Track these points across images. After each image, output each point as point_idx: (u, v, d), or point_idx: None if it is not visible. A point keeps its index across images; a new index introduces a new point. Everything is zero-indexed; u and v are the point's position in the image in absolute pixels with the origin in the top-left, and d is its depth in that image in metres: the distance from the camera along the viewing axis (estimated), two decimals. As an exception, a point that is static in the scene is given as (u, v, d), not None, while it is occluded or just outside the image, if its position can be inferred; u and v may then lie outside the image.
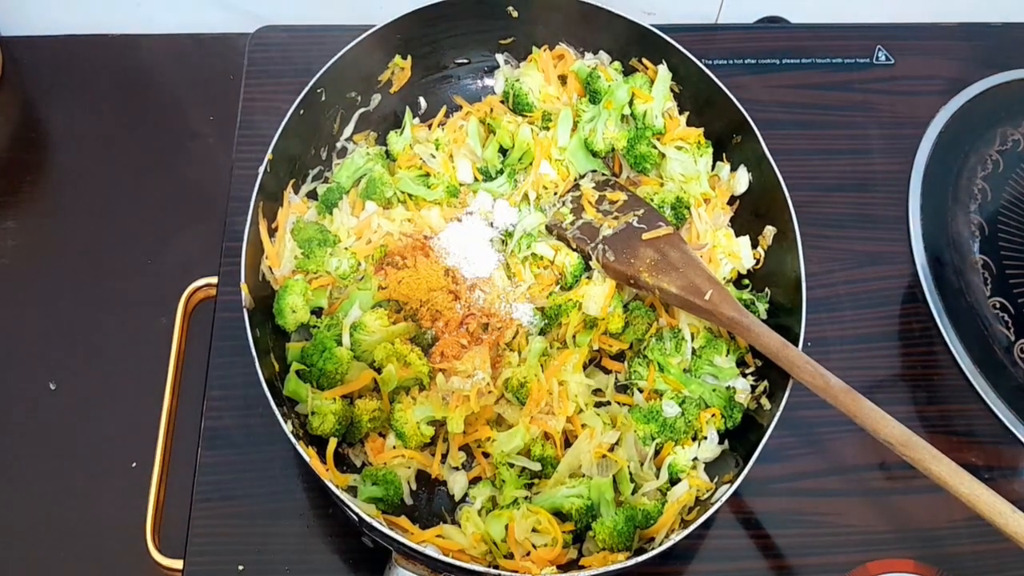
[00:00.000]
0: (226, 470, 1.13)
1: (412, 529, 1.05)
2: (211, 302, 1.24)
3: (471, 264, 1.20)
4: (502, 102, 1.34)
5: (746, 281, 1.24)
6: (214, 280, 1.24)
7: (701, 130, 1.27)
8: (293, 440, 0.99)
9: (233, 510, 1.11)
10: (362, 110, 1.29)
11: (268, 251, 1.15)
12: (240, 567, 1.08)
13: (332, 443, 1.06)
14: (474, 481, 1.12)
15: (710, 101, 1.25)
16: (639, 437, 1.12)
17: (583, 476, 1.09)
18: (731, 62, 1.46)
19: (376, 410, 1.10)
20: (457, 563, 0.97)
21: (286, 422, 1.00)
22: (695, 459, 1.12)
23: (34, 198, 1.37)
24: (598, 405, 1.16)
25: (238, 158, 1.31)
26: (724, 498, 1.02)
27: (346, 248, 1.20)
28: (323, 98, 1.21)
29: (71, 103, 1.44)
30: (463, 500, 1.11)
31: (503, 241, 1.25)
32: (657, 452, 1.12)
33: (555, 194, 1.28)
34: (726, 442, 1.14)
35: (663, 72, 1.27)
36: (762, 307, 1.17)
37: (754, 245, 1.23)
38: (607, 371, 1.20)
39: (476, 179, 1.28)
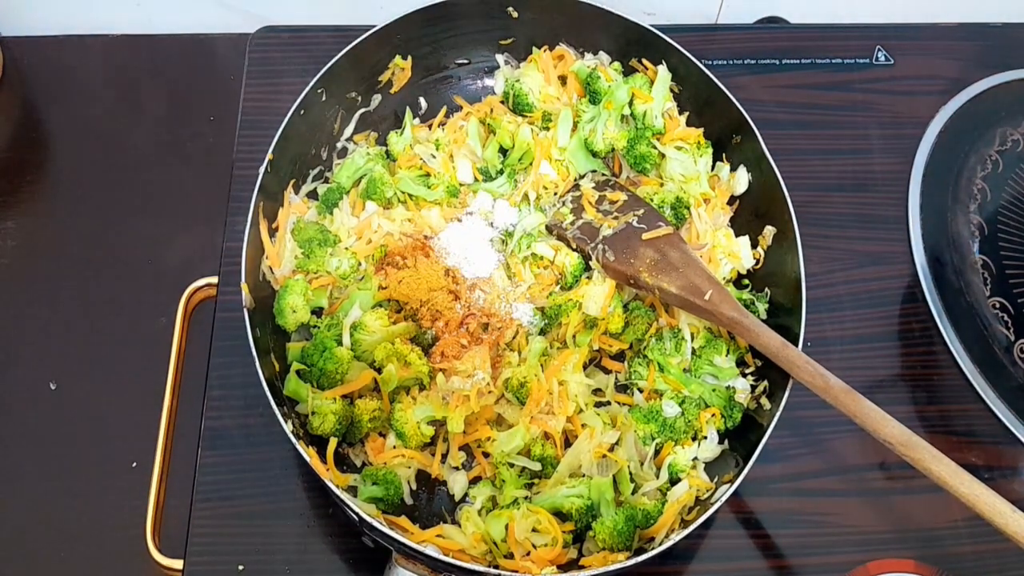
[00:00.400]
0: (226, 470, 1.13)
1: (412, 529, 1.05)
2: (211, 302, 1.24)
3: (471, 264, 1.20)
4: (502, 102, 1.34)
5: (746, 281, 1.24)
6: (214, 280, 1.24)
7: (701, 130, 1.27)
8: (293, 440, 0.99)
9: (233, 510, 1.11)
10: (362, 110, 1.29)
11: (268, 251, 1.15)
12: (240, 567, 1.08)
13: (332, 443, 1.06)
14: (474, 481, 1.12)
15: (710, 101, 1.25)
16: (639, 437, 1.12)
17: (583, 476, 1.09)
18: (731, 62, 1.46)
19: (376, 410, 1.10)
20: (457, 563, 0.97)
21: (286, 422, 1.00)
22: (695, 459, 1.12)
23: (34, 198, 1.37)
24: (598, 405, 1.16)
25: (238, 158, 1.31)
26: (724, 498, 1.02)
27: (346, 248, 1.20)
28: (323, 98, 1.21)
29: (71, 103, 1.44)
30: (463, 500, 1.11)
31: (503, 241, 1.25)
32: (657, 452, 1.12)
33: (555, 194, 1.28)
34: (726, 442, 1.14)
35: (663, 72, 1.27)
36: (762, 307, 1.17)
37: (754, 245, 1.23)
38: (607, 371, 1.20)
39: (476, 179, 1.28)
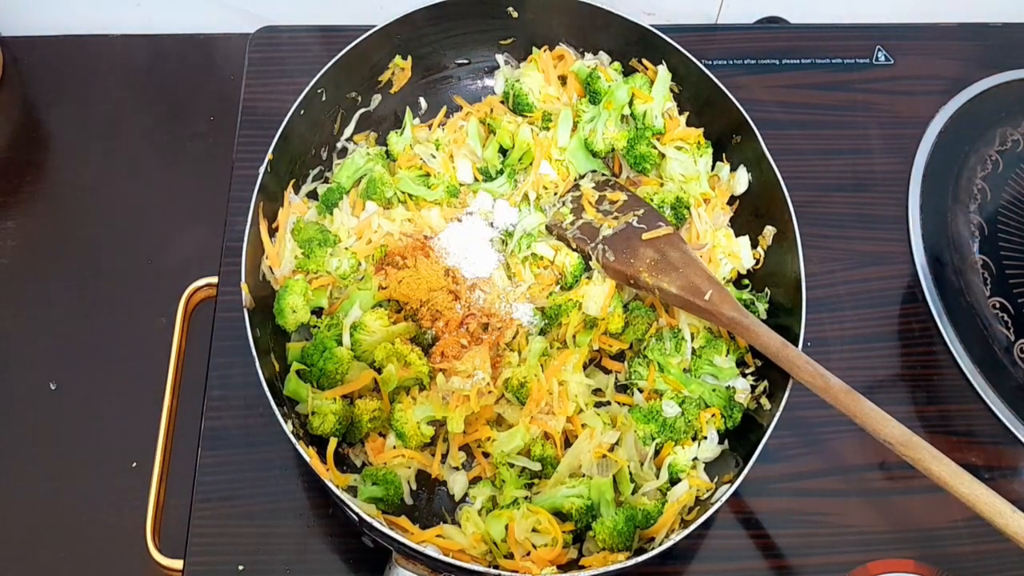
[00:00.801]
0: (226, 470, 1.13)
1: (412, 529, 1.05)
2: (211, 302, 1.24)
3: (471, 264, 1.20)
4: (502, 102, 1.34)
5: (746, 281, 1.24)
6: (214, 280, 1.24)
7: (701, 130, 1.27)
8: (293, 440, 0.99)
9: (233, 510, 1.11)
10: (362, 110, 1.29)
11: (268, 251, 1.15)
12: (240, 567, 1.08)
13: (332, 443, 1.06)
14: (474, 481, 1.12)
15: (710, 101, 1.25)
16: (639, 437, 1.12)
17: (583, 476, 1.09)
18: (731, 62, 1.46)
19: (376, 410, 1.10)
20: (457, 563, 0.97)
21: (286, 422, 1.00)
22: (695, 459, 1.12)
23: (34, 198, 1.37)
24: (598, 405, 1.16)
25: (238, 158, 1.31)
26: (724, 498, 1.02)
27: (346, 248, 1.20)
28: (323, 98, 1.21)
29: (71, 103, 1.44)
30: (463, 500, 1.11)
31: (503, 241, 1.25)
32: (657, 452, 1.12)
33: (555, 194, 1.28)
34: (726, 442, 1.14)
35: (663, 72, 1.27)
36: (762, 307, 1.17)
37: (754, 245, 1.23)
38: (607, 371, 1.20)
39: (476, 179, 1.28)
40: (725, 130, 1.25)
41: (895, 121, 1.45)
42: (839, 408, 1.00)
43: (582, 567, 1.03)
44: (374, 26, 1.22)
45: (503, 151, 1.30)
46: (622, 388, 1.19)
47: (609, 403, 1.17)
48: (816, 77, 1.47)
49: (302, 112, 1.17)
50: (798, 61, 1.48)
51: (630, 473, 1.10)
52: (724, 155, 1.27)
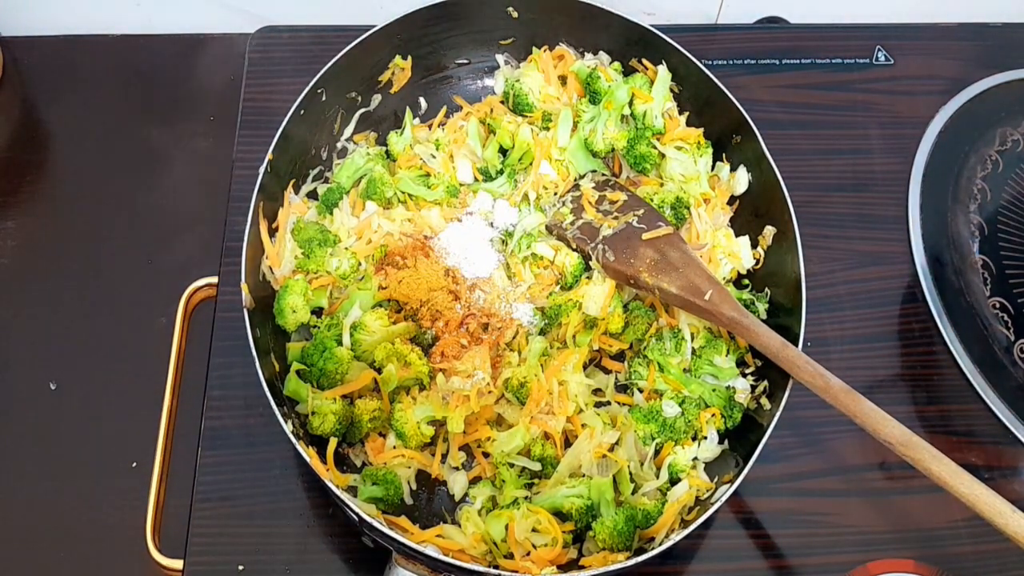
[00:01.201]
0: (226, 470, 1.13)
1: (412, 529, 1.05)
2: (211, 302, 1.24)
3: (471, 264, 1.20)
4: (502, 102, 1.34)
5: (746, 281, 1.24)
6: (214, 280, 1.24)
7: (701, 130, 1.27)
8: (293, 440, 0.99)
9: (233, 510, 1.11)
10: (362, 110, 1.29)
11: (268, 251, 1.15)
12: (240, 567, 1.08)
13: (332, 443, 1.06)
14: (474, 481, 1.12)
15: (710, 101, 1.25)
16: (639, 437, 1.12)
17: (583, 476, 1.09)
18: (731, 62, 1.46)
19: (376, 410, 1.10)
20: (457, 563, 0.97)
21: (286, 422, 1.00)
22: (695, 459, 1.12)
23: (34, 198, 1.37)
24: (598, 405, 1.16)
25: (238, 158, 1.31)
26: (724, 498, 1.02)
27: (346, 248, 1.20)
28: (323, 98, 1.21)
29: (71, 103, 1.44)
30: (463, 500, 1.11)
31: (503, 241, 1.25)
32: (657, 452, 1.12)
33: (555, 194, 1.28)
34: (726, 442, 1.14)
35: (663, 72, 1.27)
36: (762, 307, 1.17)
37: (754, 245, 1.23)
38: (607, 371, 1.20)
39: (476, 179, 1.28)
40: (725, 130, 1.25)
41: (895, 121, 1.45)
42: (839, 408, 1.00)
43: (582, 567, 1.03)
44: (374, 26, 1.22)
45: (503, 151, 1.30)
46: (622, 388, 1.19)
47: (609, 403, 1.17)
48: (816, 77, 1.47)
49: (302, 112, 1.17)
50: (798, 61, 1.48)
51: (630, 473, 1.10)
52: (724, 155, 1.27)
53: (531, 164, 1.27)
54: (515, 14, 1.30)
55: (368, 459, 1.11)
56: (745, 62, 1.47)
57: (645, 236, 1.18)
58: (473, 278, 1.19)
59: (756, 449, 1.03)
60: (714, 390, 1.14)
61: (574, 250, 1.22)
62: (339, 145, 1.28)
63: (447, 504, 1.12)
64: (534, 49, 1.33)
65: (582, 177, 1.29)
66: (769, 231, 1.21)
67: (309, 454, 1.00)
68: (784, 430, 1.09)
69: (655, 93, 1.27)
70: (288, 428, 1.00)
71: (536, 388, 1.11)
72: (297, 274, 1.17)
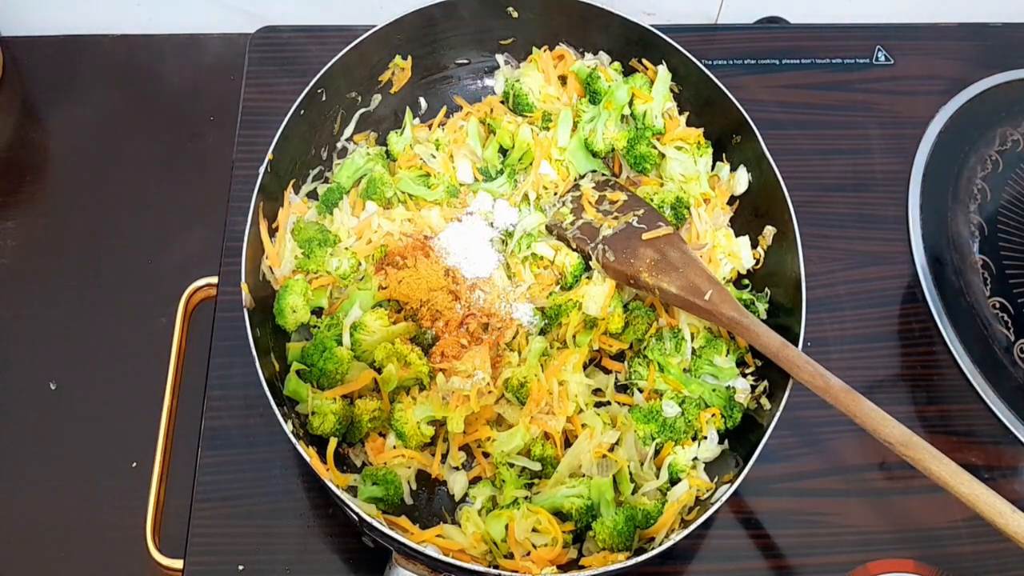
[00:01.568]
0: (226, 470, 1.13)
1: (412, 529, 1.05)
2: (211, 302, 1.24)
3: (471, 264, 1.20)
4: (502, 102, 1.34)
5: (746, 281, 1.24)
6: (214, 280, 1.24)
7: (701, 130, 1.27)
8: (293, 440, 0.99)
9: (233, 510, 1.11)
10: (362, 110, 1.29)
11: (268, 251, 1.15)
12: (240, 567, 1.08)
13: (332, 443, 1.06)
14: (474, 481, 1.12)
15: (710, 101, 1.25)
16: (639, 437, 1.12)
17: (583, 476, 1.09)
18: (731, 62, 1.46)
19: (376, 410, 1.10)
20: (457, 563, 0.97)
21: (286, 422, 1.00)
22: (695, 459, 1.12)
23: (34, 198, 1.37)
24: (598, 405, 1.16)
25: (238, 158, 1.31)
26: (724, 498, 1.02)
27: (346, 248, 1.20)
28: (323, 98, 1.21)
29: (71, 103, 1.44)
30: (463, 500, 1.11)
31: (503, 241, 1.25)
32: (657, 452, 1.12)
33: (555, 194, 1.28)
34: (726, 442, 1.14)
35: (663, 72, 1.27)
36: (762, 307, 1.17)
37: (754, 245, 1.23)
38: (607, 371, 1.20)
39: (476, 179, 1.28)
40: (725, 130, 1.25)
41: (895, 121, 1.45)
42: (839, 408, 1.00)
43: (582, 567, 1.03)
44: (374, 26, 1.22)
45: (503, 151, 1.30)
46: (622, 388, 1.19)
47: (609, 403, 1.17)
48: (816, 77, 1.47)
49: (302, 112, 1.17)
50: (798, 61, 1.49)
51: (630, 473, 1.10)
52: (724, 155, 1.27)
53: (531, 164, 1.27)
54: (515, 14, 1.30)
55: (368, 459, 1.11)
56: (745, 62, 1.47)
57: (645, 236, 1.18)
58: (473, 278, 1.19)
59: (756, 449, 1.03)
60: (714, 390, 1.14)
61: (574, 250, 1.22)
62: (339, 145, 1.28)
63: (447, 504, 1.12)
64: (534, 49, 1.33)
65: (582, 177, 1.29)
66: (769, 231, 1.21)
67: (309, 454, 1.00)
68: (784, 430, 1.09)
69: (655, 93, 1.27)
70: (288, 428, 1.00)
71: (536, 388, 1.11)
72: (297, 274, 1.17)
